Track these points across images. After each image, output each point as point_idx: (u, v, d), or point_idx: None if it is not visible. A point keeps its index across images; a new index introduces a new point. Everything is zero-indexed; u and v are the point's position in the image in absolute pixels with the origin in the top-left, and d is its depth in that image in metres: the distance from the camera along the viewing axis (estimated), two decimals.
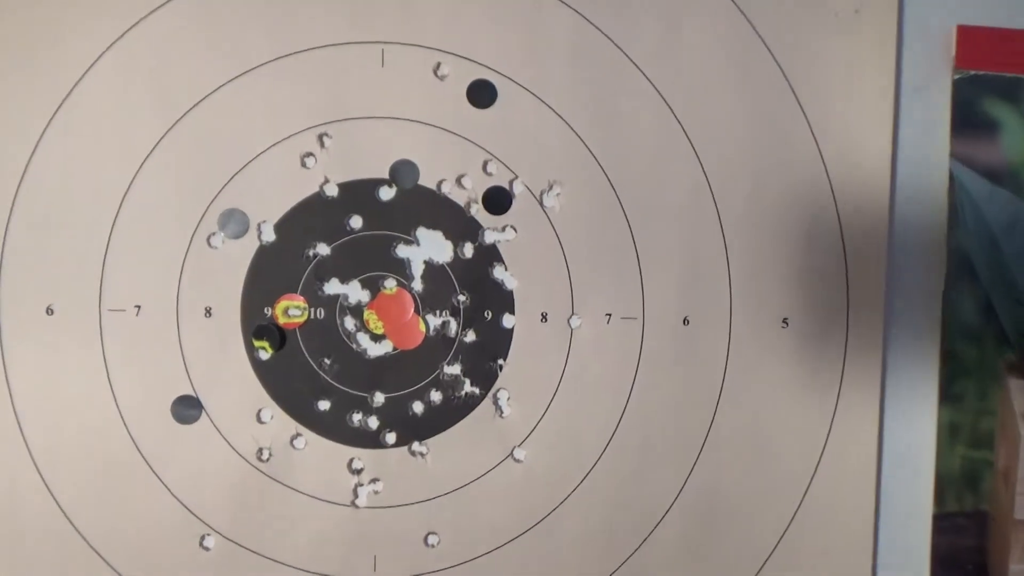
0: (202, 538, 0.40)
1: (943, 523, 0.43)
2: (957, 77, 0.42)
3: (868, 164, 0.42)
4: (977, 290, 0.42)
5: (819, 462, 0.42)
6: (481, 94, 0.40)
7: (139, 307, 0.39)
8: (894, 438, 0.43)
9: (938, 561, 0.43)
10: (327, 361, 0.40)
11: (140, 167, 0.39)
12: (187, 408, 0.40)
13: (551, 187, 0.41)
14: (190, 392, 0.40)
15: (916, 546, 0.43)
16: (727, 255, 0.42)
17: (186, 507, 0.40)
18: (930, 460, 0.43)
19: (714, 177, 0.41)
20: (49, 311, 0.39)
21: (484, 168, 0.41)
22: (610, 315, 0.41)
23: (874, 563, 0.43)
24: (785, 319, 0.42)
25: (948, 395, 0.42)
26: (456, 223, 0.41)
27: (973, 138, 0.42)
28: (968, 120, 0.42)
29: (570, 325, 0.41)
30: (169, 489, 0.40)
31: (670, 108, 0.41)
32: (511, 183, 0.41)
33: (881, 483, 0.43)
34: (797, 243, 0.42)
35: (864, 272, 0.42)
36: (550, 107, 0.41)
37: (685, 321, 0.42)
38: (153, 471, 0.40)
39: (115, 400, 0.39)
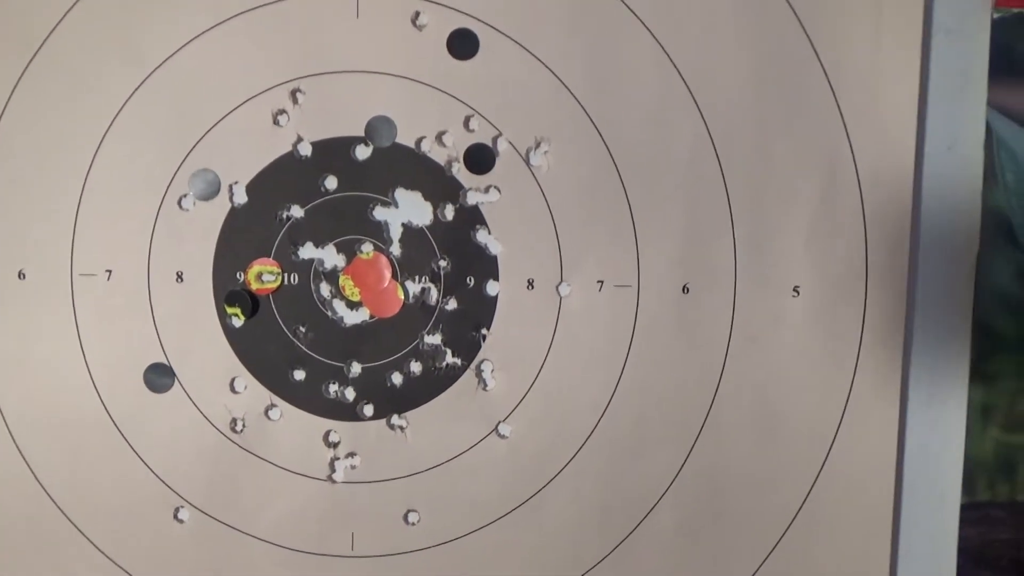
0: (176, 510, 0.39)
1: (973, 513, 0.39)
2: (997, 16, 0.37)
3: (892, 116, 0.38)
4: (1016, 254, 0.38)
5: (832, 444, 0.39)
6: (462, 45, 0.38)
7: (110, 272, 0.38)
8: (918, 419, 0.39)
9: (967, 555, 0.39)
10: (302, 329, 0.39)
11: (109, 126, 0.38)
12: (160, 376, 0.39)
13: (538, 144, 0.38)
14: (162, 360, 0.38)
15: (941, 538, 0.39)
16: (731, 217, 0.38)
17: (159, 478, 0.39)
18: (958, 444, 0.39)
19: (718, 132, 0.38)
20: (21, 275, 0.38)
21: (466, 124, 0.38)
22: (602, 282, 0.38)
23: (893, 557, 0.39)
24: (796, 287, 0.38)
25: (981, 373, 0.38)
26: (436, 184, 0.38)
27: (1013, 86, 0.38)
28: (1008, 66, 0.38)
29: (559, 293, 0.38)
30: (142, 459, 0.39)
31: (669, 57, 0.38)
32: (495, 140, 0.38)
33: (903, 468, 0.39)
34: (810, 203, 0.38)
35: (886, 235, 0.38)
36: (537, 58, 0.38)
37: (685, 289, 0.38)
38: (126, 440, 0.39)
39: (87, 367, 0.38)
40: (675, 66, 0.38)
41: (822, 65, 0.38)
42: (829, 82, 0.38)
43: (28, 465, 0.39)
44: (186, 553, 0.39)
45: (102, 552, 0.39)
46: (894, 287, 0.38)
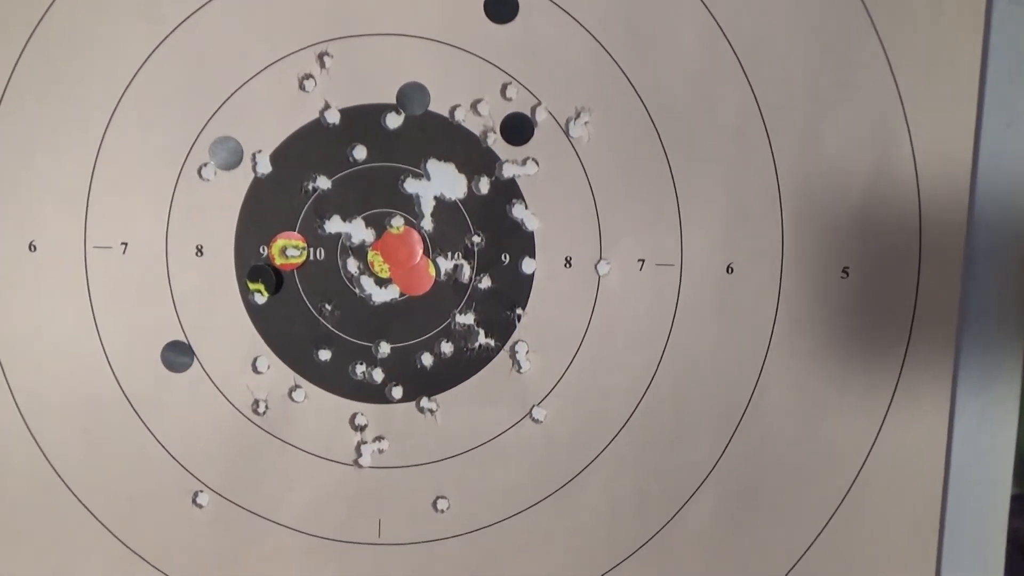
0: (195, 495, 0.37)
1: (1023, 506, 0.38)
2: None
3: (950, 91, 0.36)
4: None
5: (879, 433, 0.37)
6: (501, 7, 0.35)
7: (126, 244, 0.36)
8: (968, 407, 0.37)
9: (1018, 548, 0.38)
10: (328, 307, 0.37)
11: (125, 90, 0.36)
12: (178, 355, 0.37)
13: (579, 114, 0.36)
14: (181, 338, 0.37)
15: (990, 530, 0.38)
16: (779, 194, 0.36)
17: (178, 461, 0.37)
18: (1010, 433, 0.37)
19: (767, 105, 0.36)
20: (32, 247, 0.36)
21: (503, 92, 0.36)
22: (643, 261, 0.37)
23: (940, 549, 0.38)
24: (846, 268, 0.37)
25: None
26: (471, 155, 0.36)
27: None
28: None
29: (597, 271, 0.37)
30: (160, 442, 0.37)
31: (716, 21, 0.36)
32: (533, 109, 0.36)
33: (951, 458, 0.37)
34: (862, 181, 0.36)
35: (941, 215, 0.36)
36: (578, 22, 0.36)
37: (729, 269, 0.37)
38: (143, 422, 0.37)
39: (102, 345, 0.37)
40: (723, 31, 0.36)
41: (878, 35, 0.36)
42: (886, 53, 0.36)
43: (40, 447, 0.37)
44: (205, 540, 0.38)
45: (117, 538, 0.37)
46: (948, 270, 0.37)
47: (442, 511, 0.38)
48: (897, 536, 0.38)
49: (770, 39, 0.36)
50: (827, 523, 0.38)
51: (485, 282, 0.37)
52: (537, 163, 0.36)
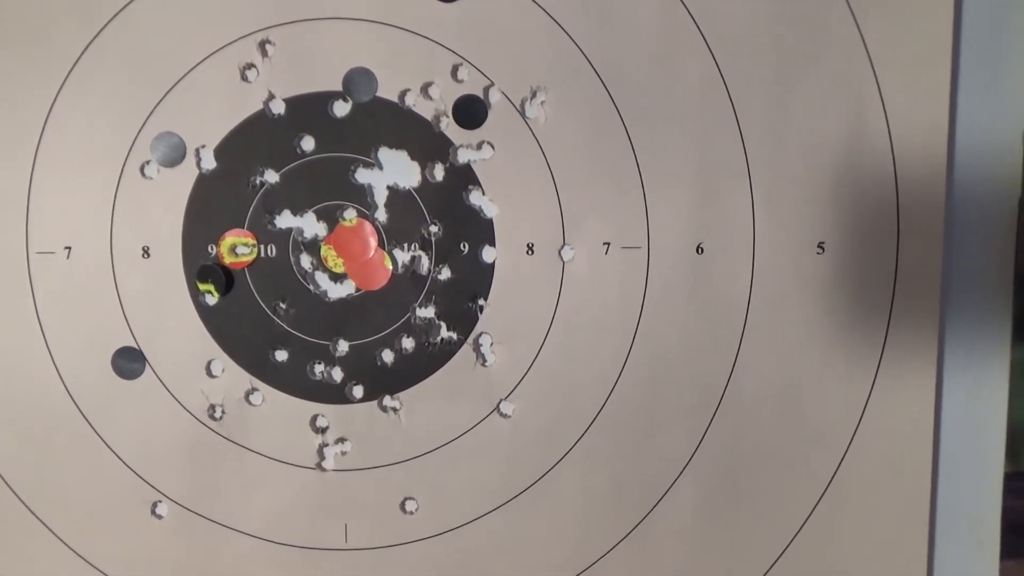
0: (154, 505, 0.36)
1: (1018, 483, 0.36)
2: None
3: (924, 50, 0.34)
4: None
5: (863, 414, 0.36)
6: None
7: (69, 248, 0.35)
8: (956, 384, 0.36)
9: (1011, 529, 0.36)
10: (282, 305, 0.35)
11: (60, 88, 0.34)
12: (129, 361, 0.35)
13: (534, 94, 0.34)
14: (131, 343, 0.35)
15: (983, 511, 0.36)
16: (748, 169, 0.35)
17: (134, 471, 0.36)
18: (1000, 409, 0.36)
19: (732, 76, 0.34)
20: None
21: (454, 74, 0.34)
22: (609, 244, 0.35)
23: (931, 532, 0.36)
24: (821, 243, 0.35)
25: None
26: (423, 141, 0.35)
27: None
28: None
29: (561, 257, 0.35)
30: (115, 452, 0.36)
31: None
32: (486, 91, 0.34)
33: (940, 437, 0.36)
34: (835, 151, 0.35)
35: (918, 184, 0.35)
36: None
37: (699, 249, 0.35)
38: (96, 432, 0.36)
39: (50, 353, 0.35)
40: (683, 2, 0.34)
41: None
42: (852, 13, 0.34)
43: None
44: (167, 551, 0.36)
45: (75, 552, 0.36)
46: (929, 240, 0.35)
47: (411, 512, 0.36)
48: (887, 521, 0.36)
49: (732, 6, 0.34)
50: (812, 510, 0.36)
51: (444, 273, 0.35)
52: (493, 147, 0.35)
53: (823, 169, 0.35)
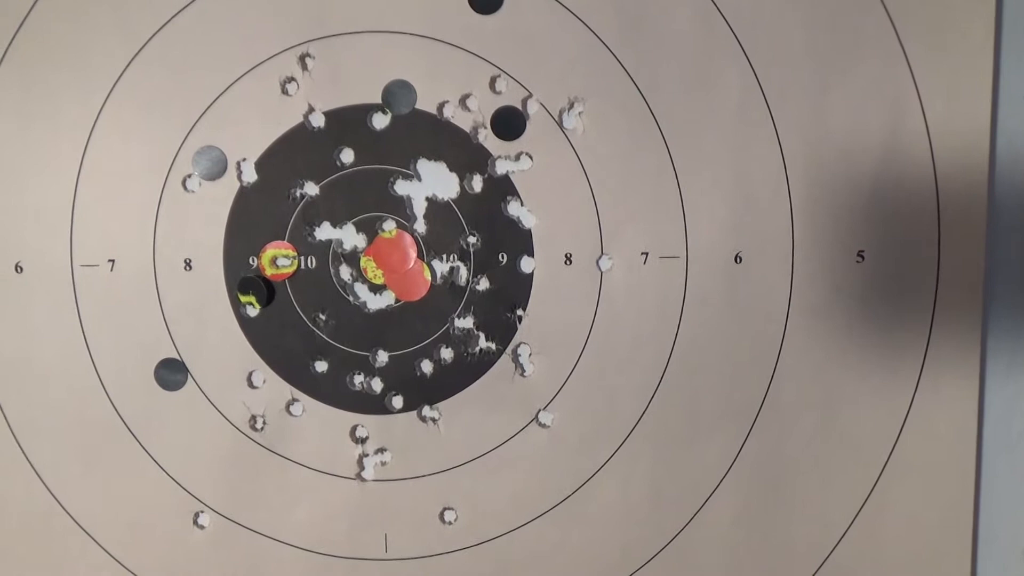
0: (195, 515, 0.36)
1: None
2: None
3: (964, 58, 0.34)
4: None
5: (904, 423, 0.35)
6: None
7: (113, 261, 0.35)
8: (997, 392, 0.35)
9: None
10: (322, 316, 0.36)
11: (103, 104, 0.35)
12: (172, 373, 0.36)
13: (572, 104, 0.34)
14: (174, 355, 0.36)
15: None
16: (787, 177, 0.35)
17: (176, 482, 0.36)
18: None
19: (769, 83, 0.34)
20: (18, 268, 0.35)
21: (492, 86, 0.34)
22: (647, 254, 0.35)
23: (974, 542, 0.36)
24: (861, 252, 0.35)
25: None
26: (462, 152, 0.35)
27: None
28: None
29: (599, 267, 0.35)
30: (157, 462, 0.36)
31: (714, 2, 0.34)
32: (524, 102, 0.35)
33: (983, 446, 0.35)
34: (874, 159, 0.34)
35: (959, 191, 0.34)
36: (567, 8, 0.34)
37: (737, 258, 0.35)
38: (139, 443, 0.36)
39: (94, 365, 0.36)
40: (718, 8, 0.34)
41: (885, 6, 0.34)
42: (892, 21, 0.34)
43: (36, 471, 0.36)
44: (208, 561, 0.36)
45: (118, 562, 0.36)
46: (970, 248, 0.35)
47: (450, 523, 0.36)
48: (929, 531, 0.36)
49: (768, 13, 0.34)
50: (854, 519, 0.36)
51: (483, 284, 0.35)
52: (531, 157, 0.35)
53: (862, 176, 0.34)
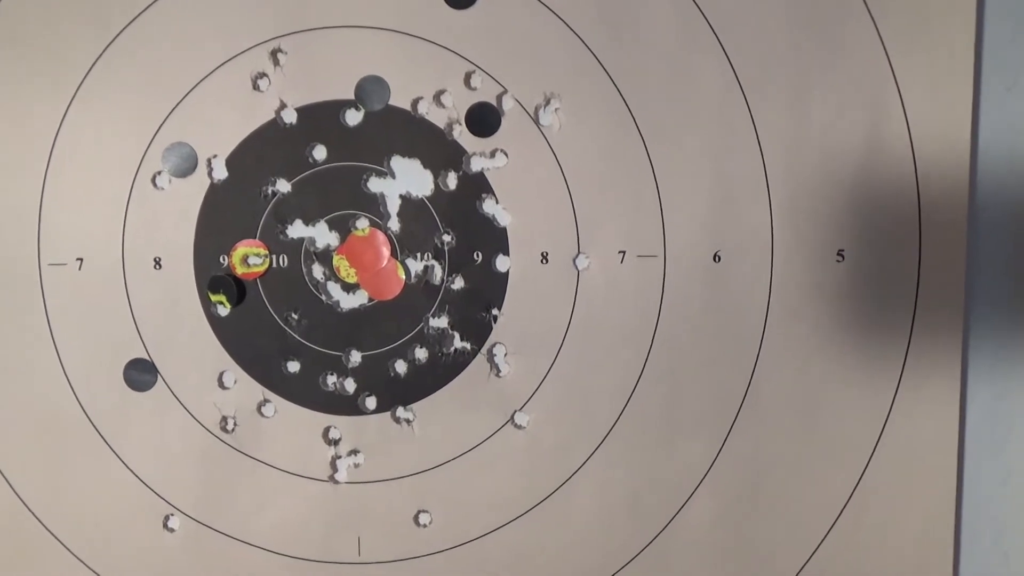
0: (166, 518, 0.36)
1: None
2: None
3: (945, 52, 0.34)
4: None
5: (885, 425, 0.35)
6: None
7: (81, 260, 0.35)
8: (980, 392, 0.35)
9: None
10: (294, 316, 0.35)
11: (72, 99, 0.34)
12: (141, 373, 0.35)
13: (548, 101, 0.34)
14: (143, 355, 0.35)
15: (1008, 520, 0.35)
16: (766, 175, 0.34)
17: (146, 484, 0.36)
18: None
19: (749, 81, 0.34)
20: None
21: (467, 82, 0.34)
22: (624, 253, 0.34)
23: (956, 543, 0.35)
24: (840, 251, 0.34)
25: None
26: (436, 149, 0.34)
27: None
28: None
29: (576, 266, 0.35)
30: (126, 464, 0.35)
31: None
32: (499, 98, 0.34)
33: (964, 449, 0.35)
34: (855, 157, 0.34)
35: (941, 189, 0.34)
36: (543, 3, 0.34)
37: (716, 257, 0.34)
38: (108, 444, 0.35)
39: (62, 365, 0.35)
40: (697, 4, 0.34)
41: (864, 1, 0.33)
42: (872, 17, 0.33)
43: (2, 473, 0.35)
44: (179, 564, 0.36)
45: (87, 566, 0.36)
46: (951, 247, 0.34)
47: (424, 525, 0.36)
48: (911, 532, 0.35)
49: (749, 11, 0.34)
50: (834, 522, 0.36)
51: (458, 283, 0.35)
52: (506, 155, 0.34)
53: (842, 176, 0.34)
